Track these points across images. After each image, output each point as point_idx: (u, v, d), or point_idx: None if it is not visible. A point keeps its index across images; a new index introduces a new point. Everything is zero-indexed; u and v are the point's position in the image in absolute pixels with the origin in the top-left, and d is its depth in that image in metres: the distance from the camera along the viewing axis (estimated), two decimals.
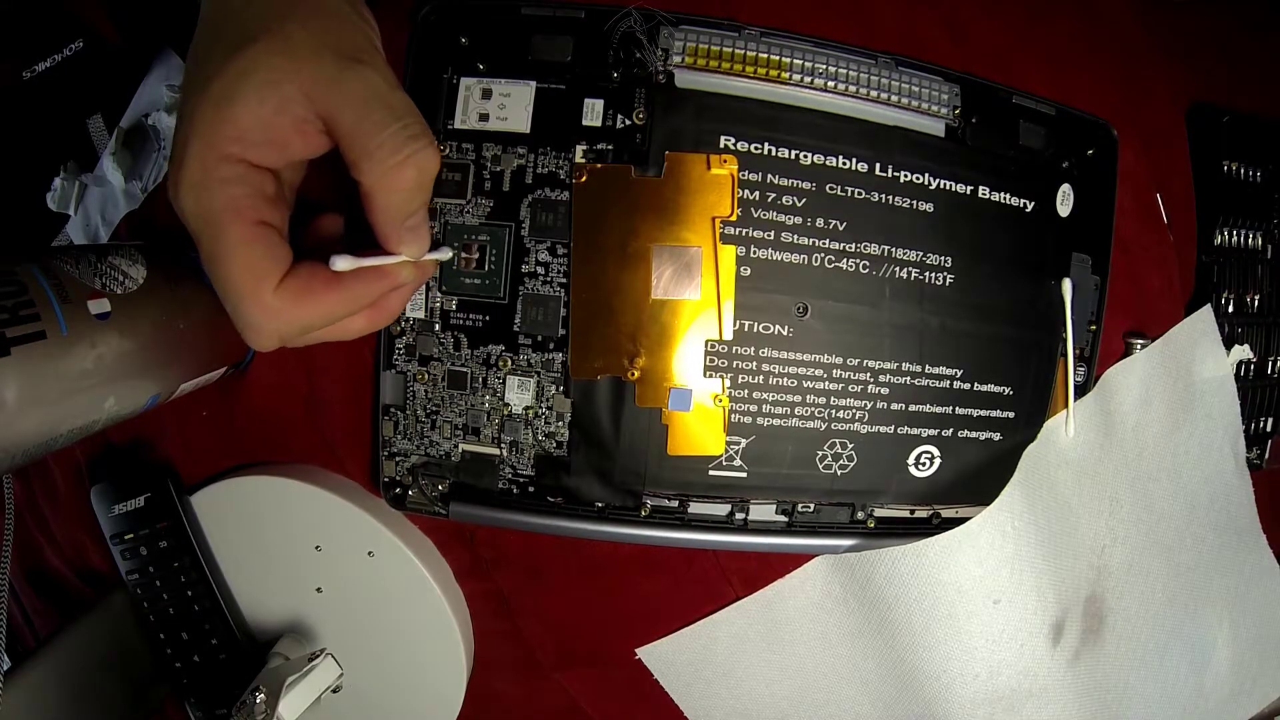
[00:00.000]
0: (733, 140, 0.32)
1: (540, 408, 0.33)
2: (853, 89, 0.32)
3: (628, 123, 0.32)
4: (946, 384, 0.34)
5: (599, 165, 0.32)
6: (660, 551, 0.36)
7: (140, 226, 0.39)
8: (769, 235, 0.32)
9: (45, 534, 0.44)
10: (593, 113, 0.32)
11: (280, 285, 0.24)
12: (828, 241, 0.32)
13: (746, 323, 0.32)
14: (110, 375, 0.28)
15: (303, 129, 0.23)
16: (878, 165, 0.32)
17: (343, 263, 0.24)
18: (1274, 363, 0.40)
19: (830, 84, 0.32)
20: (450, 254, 0.31)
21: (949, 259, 0.33)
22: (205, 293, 0.33)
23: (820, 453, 0.34)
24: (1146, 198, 0.38)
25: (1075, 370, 0.36)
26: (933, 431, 0.34)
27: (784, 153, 0.32)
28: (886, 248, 0.33)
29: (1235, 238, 0.39)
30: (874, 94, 0.33)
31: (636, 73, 0.32)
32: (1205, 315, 0.38)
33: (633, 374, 0.32)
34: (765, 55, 0.32)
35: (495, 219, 0.33)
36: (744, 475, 0.34)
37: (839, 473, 0.34)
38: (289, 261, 0.24)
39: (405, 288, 0.27)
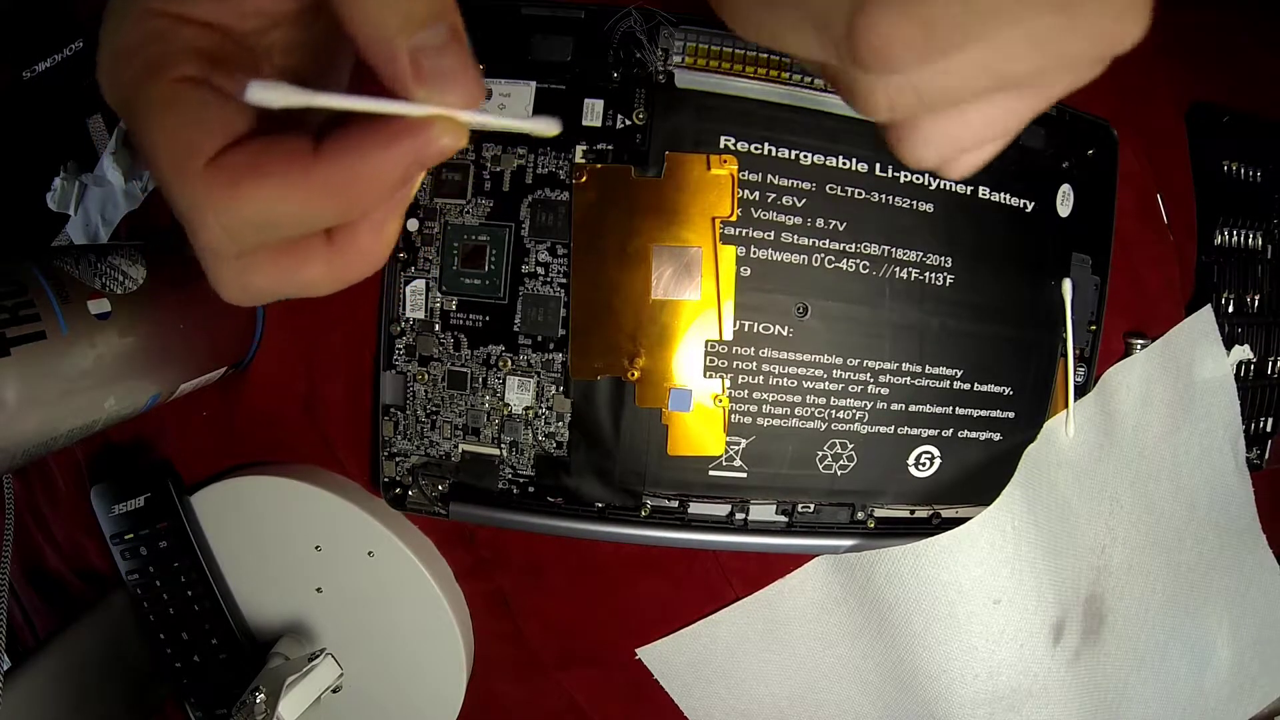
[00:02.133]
0: (733, 140, 0.32)
1: (540, 408, 0.33)
2: None
3: (628, 123, 0.32)
4: (946, 384, 0.34)
5: (599, 165, 0.32)
6: (660, 551, 0.36)
7: (140, 226, 0.39)
8: (769, 235, 0.32)
9: (45, 534, 0.44)
10: (593, 113, 0.32)
11: (218, 157, 0.17)
12: (828, 241, 0.32)
13: (746, 323, 0.32)
14: (110, 375, 0.28)
15: None
16: (878, 165, 0.32)
17: (265, 93, 0.15)
18: (1274, 363, 0.40)
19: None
20: (558, 127, 0.18)
21: (949, 259, 0.33)
22: (205, 292, 0.33)
23: (820, 453, 0.34)
24: (1147, 198, 0.38)
25: (1075, 370, 0.36)
26: (933, 431, 0.34)
27: (784, 153, 0.32)
28: (886, 248, 0.33)
29: (1235, 238, 0.39)
30: None
31: (636, 73, 0.32)
32: (1205, 315, 0.38)
33: (633, 374, 0.32)
34: (765, 55, 0.32)
35: (495, 219, 0.33)
36: (744, 475, 0.34)
37: (839, 473, 0.34)
38: (235, 130, 0.17)
39: (408, 186, 0.18)
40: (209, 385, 0.35)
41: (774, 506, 0.35)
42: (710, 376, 0.32)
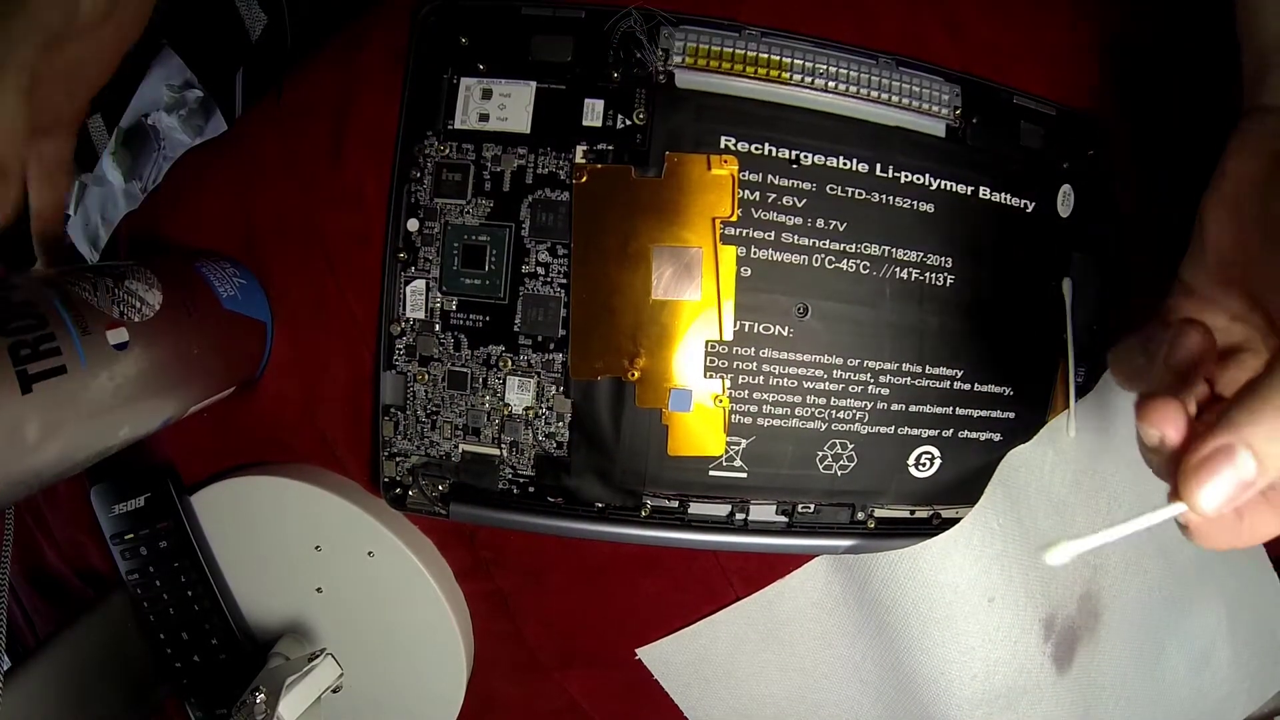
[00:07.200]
0: (733, 140, 0.32)
1: (540, 408, 0.33)
2: (853, 89, 0.32)
3: (628, 123, 0.32)
4: (946, 384, 0.34)
5: (599, 166, 0.32)
6: (660, 551, 0.36)
7: (144, 237, 0.39)
8: (769, 235, 0.32)
9: (45, 534, 0.44)
10: (593, 113, 0.32)
11: None
12: (828, 242, 0.32)
13: (746, 323, 0.32)
14: (127, 404, 0.27)
15: None
16: (878, 166, 0.32)
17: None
18: None
19: (831, 84, 0.32)
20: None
21: (949, 259, 0.33)
22: (219, 314, 0.32)
23: (820, 453, 0.34)
24: None
25: (1076, 371, 0.36)
26: (933, 432, 0.34)
27: (784, 153, 0.32)
28: (887, 248, 0.33)
29: None
30: (874, 94, 0.33)
31: (636, 73, 0.32)
32: None
33: (633, 374, 0.32)
34: (765, 55, 0.32)
35: (495, 219, 0.33)
36: (744, 475, 0.34)
37: (839, 473, 0.34)
38: None
39: None
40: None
41: (774, 506, 0.35)
42: (710, 377, 0.32)
